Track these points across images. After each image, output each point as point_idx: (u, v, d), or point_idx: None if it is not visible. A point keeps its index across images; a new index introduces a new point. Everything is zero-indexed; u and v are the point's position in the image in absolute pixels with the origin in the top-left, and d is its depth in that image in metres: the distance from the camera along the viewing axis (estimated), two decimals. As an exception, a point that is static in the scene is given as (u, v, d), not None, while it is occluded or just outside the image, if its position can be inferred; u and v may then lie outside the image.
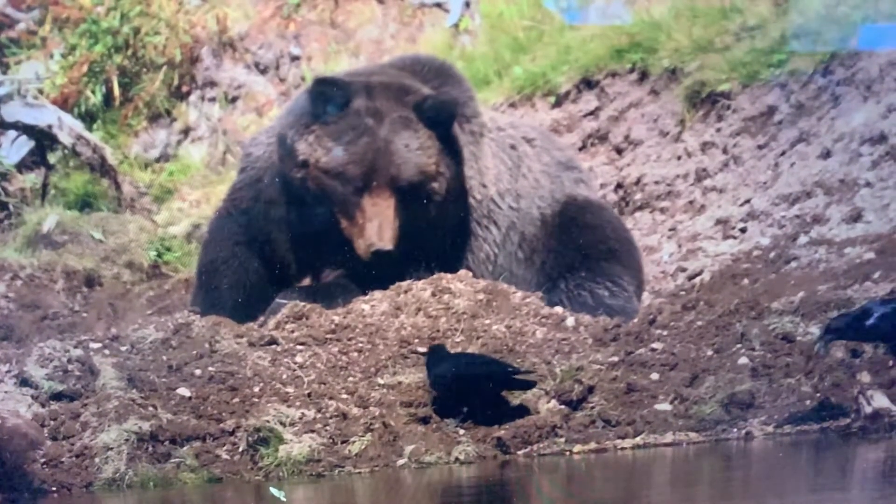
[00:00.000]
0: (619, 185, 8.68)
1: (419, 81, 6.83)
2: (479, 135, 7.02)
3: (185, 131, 10.84)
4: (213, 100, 10.82)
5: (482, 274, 6.71)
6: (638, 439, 5.00)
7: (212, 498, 4.80)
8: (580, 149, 8.83)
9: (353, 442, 5.01)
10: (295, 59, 11.10)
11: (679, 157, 8.49)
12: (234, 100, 10.94)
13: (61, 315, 7.72)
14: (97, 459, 4.85)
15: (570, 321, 6.10)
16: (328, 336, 5.86)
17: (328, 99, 6.46)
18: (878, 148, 7.25)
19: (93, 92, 10.59)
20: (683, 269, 7.52)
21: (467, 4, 10.91)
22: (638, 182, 8.57)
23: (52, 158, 9.79)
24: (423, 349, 5.67)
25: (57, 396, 5.18)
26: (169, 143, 10.77)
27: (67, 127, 9.53)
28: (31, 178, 9.76)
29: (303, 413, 5.12)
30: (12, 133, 9.61)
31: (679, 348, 5.57)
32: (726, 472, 4.71)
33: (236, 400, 5.24)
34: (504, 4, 10.34)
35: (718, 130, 8.32)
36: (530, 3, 10.12)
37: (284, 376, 5.47)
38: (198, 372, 5.47)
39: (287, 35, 11.21)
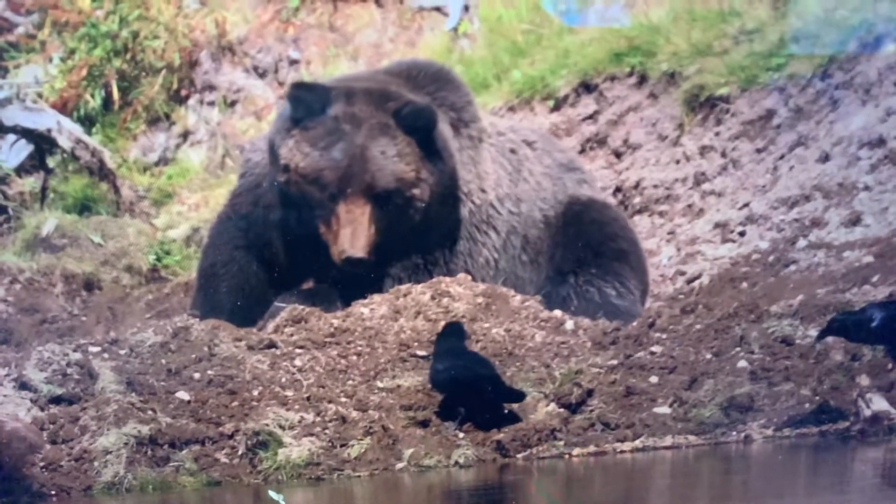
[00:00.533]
0: (617, 189, 8.69)
1: (416, 87, 6.83)
2: (477, 139, 7.02)
3: (184, 135, 10.85)
4: (211, 103, 10.83)
5: (483, 278, 6.71)
6: (637, 442, 5.00)
7: (211, 501, 4.79)
8: (579, 152, 8.82)
9: (353, 445, 5.01)
10: (294, 62, 11.10)
11: (678, 161, 8.49)
12: (232, 104, 10.95)
13: (60, 319, 7.72)
14: (96, 463, 4.84)
15: (570, 324, 6.10)
16: (327, 339, 5.86)
17: (305, 104, 6.45)
18: (876, 152, 7.26)
19: (92, 96, 10.59)
20: (682, 273, 7.53)
21: (466, 8, 10.93)
22: (637, 186, 8.57)
23: (51, 162, 9.79)
24: (422, 353, 5.68)
25: (56, 400, 5.17)
26: (168, 146, 10.78)
27: (66, 131, 9.52)
28: (30, 182, 9.76)
29: (302, 416, 5.12)
30: (11, 137, 9.61)
31: (678, 352, 5.58)
32: (725, 475, 4.71)
33: (235, 403, 5.24)
34: (503, 8, 10.35)
35: (717, 134, 8.32)
36: (529, 6, 10.13)
37: (283, 380, 5.47)
38: (197, 375, 5.47)
39: (286, 39, 11.22)
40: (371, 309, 6.10)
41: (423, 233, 6.60)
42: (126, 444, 4.87)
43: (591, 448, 4.99)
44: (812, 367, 5.22)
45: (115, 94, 10.65)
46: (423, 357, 5.66)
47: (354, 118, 6.41)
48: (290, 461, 4.90)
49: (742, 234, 7.58)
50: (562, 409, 5.19)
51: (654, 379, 5.36)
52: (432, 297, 6.13)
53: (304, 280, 6.75)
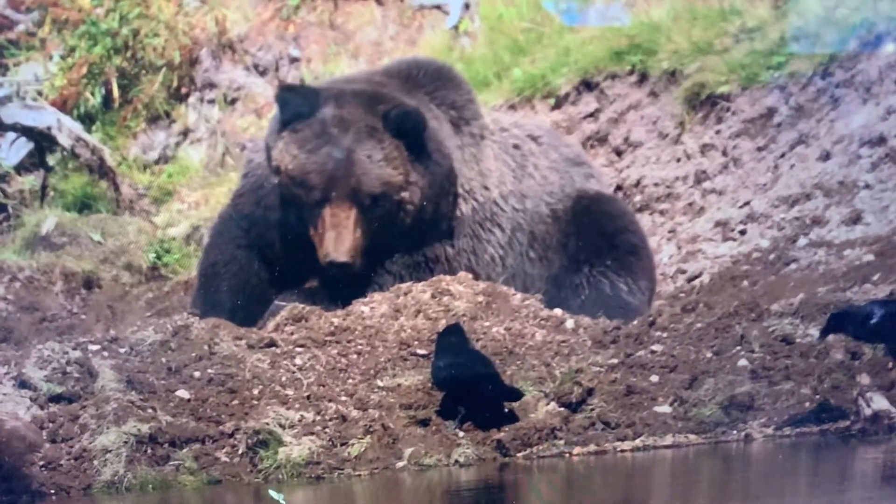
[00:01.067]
0: (618, 187, 8.68)
1: (414, 86, 6.82)
2: (479, 137, 7.01)
3: (185, 133, 10.83)
4: (212, 101, 10.82)
5: (488, 276, 6.71)
6: (637, 441, 5.00)
7: (211, 500, 4.79)
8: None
9: (353, 444, 5.00)
10: (294, 60, 11.09)
11: (678, 159, 8.49)
12: (233, 101, 10.93)
13: (60, 317, 7.71)
14: (96, 462, 4.84)
15: (570, 323, 6.10)
16: (327, 338, 5.85)
17: (292, 106, 6.45)
18: (877, 150, 7.25)
19: (92, 94, 10.58)
20: (683, 271, 7.53)
21: (467, 6, 10.91)
22: (637, 184, 8.57)
23: (50, 160, 9.79)
24: (422, 351, 5.67)
25: (55, 398, 5.16)
26: (168, 144, 10.77)
27: (66, 129, 9.52)
28: (30, 180, 9.76)
29: (302, 415, 5.11)
30: (11, 135, 9.60)
31: (678, 350, 5.57)
32: (726, 474, 4.70)
33: (235, 402, 5.23)
34: (503, 6, 10.34)
35: (718, 132, 8.32)
36: (530, 5, 10.12)
37: (284, 378, 5.46)
38: (197, 374, 5.47)
39: (286, 37, 11.20)
40: (371, 307, 6.10)
41: (423, 231, 6.59)
42: (126, 442, 4.86)
43: (592, 447, 4.99)
44: (812, 365, 5.22)
45: (116, 92, 10.63)
46: (423, 356, 5.66)
47: (342, 121, 6.40)
48: (291, 460, 4.89)
49: (743, 232, 7.58)
50: (562, 408, 5.18)
51: (654, 378, 5.36)
52: (433, 296, 6.12)
53: (304, 280, 6.74)
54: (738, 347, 5.48)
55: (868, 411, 4.77)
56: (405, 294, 6.17)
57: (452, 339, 5.35)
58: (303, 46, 11.16)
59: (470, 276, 6.41)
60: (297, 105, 6.45)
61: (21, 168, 9.80)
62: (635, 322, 6.12)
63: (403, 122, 6.44)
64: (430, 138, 6.58)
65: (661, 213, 8.40)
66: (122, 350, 5.72)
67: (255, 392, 5.32)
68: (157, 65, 10.77)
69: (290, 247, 6.61)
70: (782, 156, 7.88)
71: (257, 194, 6.79)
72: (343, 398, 5.30)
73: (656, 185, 8.49)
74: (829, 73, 7.86)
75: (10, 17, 11.12)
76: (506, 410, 5.12)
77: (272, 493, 4.48)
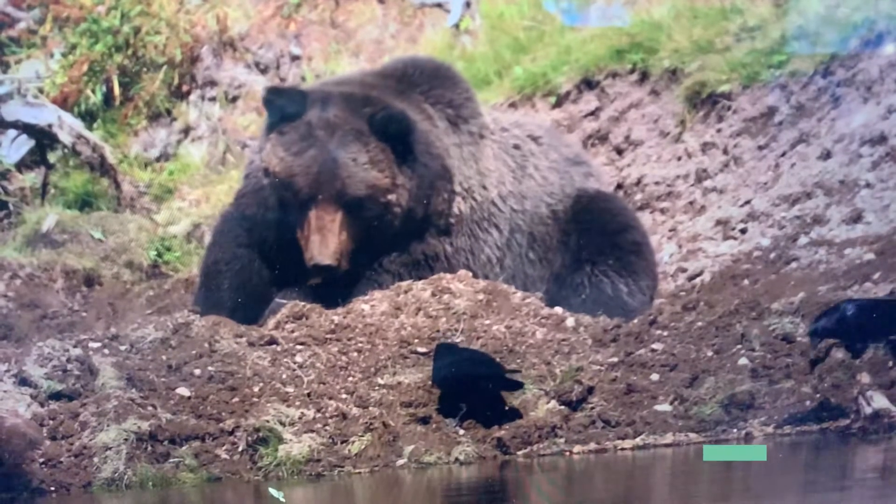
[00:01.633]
0: (619, 186, 8.68)
1: (410, 86, 6.81)
2: (478, 136, 7.01)
3: (185, 131, 10.84)
4: (213, 99, 10.82)
5: (486, 276, 6.71)
6: (638, 440, 5.00)
7: (211, 498, 4.79)
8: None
9: (353, 442, 5.00)
10: (295, 58, 11.09)
11: (679, 158, 8.49)
12: (234, 99, 10.93)
13: (60, 314, 7.71)
14: (96, 459, 4.84)
15: (570, 321, 6.09)
16: (328, 336, 5.86)
17: (279, 109, 6.46)
18: (878, 149, 7.25)
19: (93, 91, 10.58)
20: (684, 270, 7.52)
21: (468, 5, 10.91)
22: (638, 182, 8.57)
23: (51, 157, 9.79)
24: (423, 349, 5.67)
25: (56, 396, 5.17)
26: (169, 142, 10.77)
27: (67, 126, 9.52)
28: (31, 178, 9.76)
29: (302, 413, 5.12)
30: (12, 132, 9.60)
31: (679, 349, 5.57)
32: (726, 472, 4.70)
33: (236, 399, 5.24)
34: (504, 5, 10.35)
35: (719, 131, 8.32)
36: (531, 3, 10.13)
37: (284, 376, 5.46)
38: (197, 371, 5.47)
39: (287, 35, 11.20)
40: (372, 305, 6.10)
41: (419, 230, 6.59)
42: (126, 440, 4.87)
43: (592, 445, 4.99)
44: (813, 364, 5.21)
45: (117, 90, 10.64)
46: (423, 354, 5.66)
47: (328, 124, 6.40)
48: (291, 457, 4.90)
49: (743, 231, 7.57)
50: (562, 407, 5.19)
51: (654, 376, 5.36)
52: (433, 294, 6.12)
53: (305, 279, 6.74)
54: (739, 346, 5.48)
55: (868, 410, 4.77)
56: (405, 292, 6.17)
57: (449, 344, 5.36)
58: (304, 44, 11.16)
59: (470, 274, 6.42)
60: (283, 107, 6.47)
61: (22, 165, 9.80)
62: (636, 320, 6.12)
63: (389, 125, 6.43)
64: (419, 140, 6.57)
65: (662, 211, 8.40)
66: (122, 347, 5.72)
67: (256, 389, 5.32)
68: (158, 62, 10.77)
69: (289, 246, 6.61)
70: (783, 154, 7.88)
71: (259, 195, 6.80)
72: (343, 396, 5.31)
73: (657, 183, 8.49)
74: (830, 71, 7.86)
75: (12, 15, 11.12)
76: (506, 408, 5.13)
77: (272, 490, 4.49)
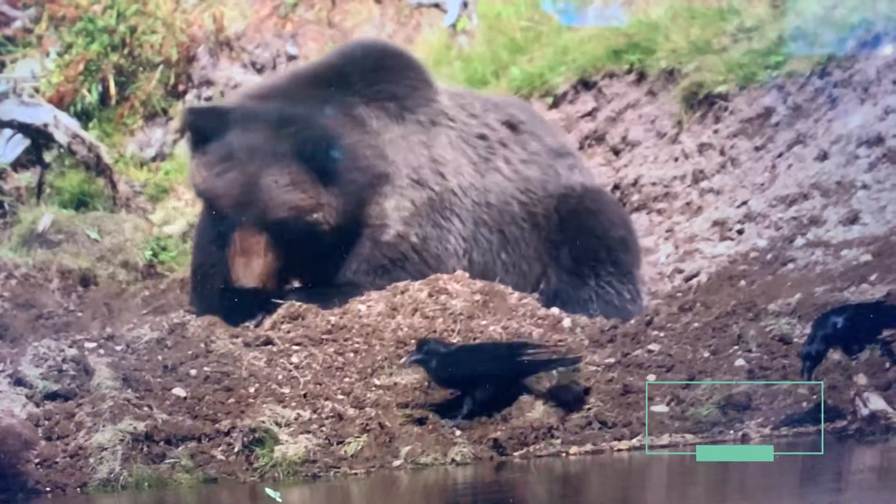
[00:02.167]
0: (616, 187, 8.68)
1: (346, 86, 6.57)
2: (429, 123, 6.76)
3: (182, 130, 10.82)
4: (209, 99, 10.80)
5: (453, 268, 6.58)
6: (634, 441, 4.99)
7: (207, 499, 4.78)
8: (577, 149, 8.80)
9: (349, 443, 4.99)
10: (292, 58, 11.08)
11: (676, 159, 8.49)
12: (230, 99, 10.91)
13: (56, 314, 7.70)
14: (92, 460, 4.83)
15: (567, 322, 6.09)
16: (324, 336, 5.84)
17: (200, 129, 6.34)
18: (874, 150, 7.25)
19: (89, 90, 10.57)
20: (680, 271, 7.52)
21: (465, 5, 10.91)
22: (635, 183, 8.56)
23: (47, 157, 9.77)
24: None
25: (51, 396, 5.15)
26: (165, 141, 10.75)
27: (63, 125, 9.50)
28: (27, 177, 9.74)
29: (298, 414, 5.11)
30: (8, 131, 9.58)
31: (676, 350, 5.57)
32: (722, 474, 4.70)
33: (232, 400, 5.22)
34: (501, 5, 10.35)
35: (716, 132, 8.32)
36: (528, 3, 10.13)
37: (280, 377, 5.45)
38: (193, 372, 5.46)
39: (284, 34, 11.19)
40: (368, 306, 6.09)
41: (368, 238, 6.48)
42: (122, 440, 4.86)
43: (588, 446, 4.98)
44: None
45: (112, 89, 10.62)
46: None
47: (248, 146, 6.22)
48: (287, 458, 4.89)
49: (740, 232, 7.57)
50: (559, 407, 5.18)
51: (651, 377, 5.35)
52: (429, 295, 6.11)
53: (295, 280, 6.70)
54: (736, 347, 5.48)
55: (865, 411, 4.76)
56: (402, 293, 6.16)
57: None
58: (300, 44, 11.15)
59: (467, 274, 6.38)
60: (204, 128, 6.33)
61: (17, 165, 9.78)
62: (632, 321, 6.12)
63: (309, 145, 6.25)
64: (345, 156, 6.38)
65: (659, 212, 8.40)
66: (118, 348, 5.71)
67: (252, 390, 5.31)
68: (154, 62, 10.75)
69: None
70: (780, 155, 7.88)
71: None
72: (339, 396, 5.30)
73: (654, 184, 8.48)
74: (827, 72, 7.87)
75: (7, 14, 11.10)
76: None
77: (268, 491, 4.48)
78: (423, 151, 6.68)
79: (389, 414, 5.14)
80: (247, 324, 6.15)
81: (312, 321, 5.97)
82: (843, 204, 7.09)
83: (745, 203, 7.74)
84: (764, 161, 7.95)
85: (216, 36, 11.00)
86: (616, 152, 8.90)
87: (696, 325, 5.87)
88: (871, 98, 7.54)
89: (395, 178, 6.60)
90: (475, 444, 5.01)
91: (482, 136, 6.95)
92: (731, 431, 4.99)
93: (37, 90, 10.22)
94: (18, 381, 5.19)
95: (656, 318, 6.04)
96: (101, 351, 5.62)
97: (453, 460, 4.93)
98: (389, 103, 6.70)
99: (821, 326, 4.91)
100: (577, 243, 6.90)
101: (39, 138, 9.56)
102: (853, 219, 6.95)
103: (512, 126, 7.10)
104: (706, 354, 5.51)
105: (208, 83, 10.94)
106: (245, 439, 4.94)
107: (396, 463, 4.93)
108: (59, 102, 10.24)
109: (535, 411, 5.14)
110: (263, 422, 4.99)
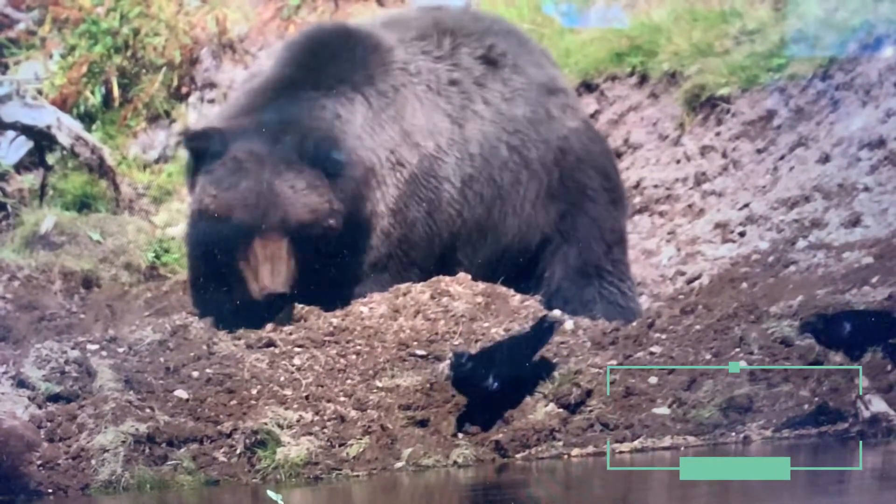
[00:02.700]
0: (617, 189, 8.66)
1: (319, 82, 6.45)
2: (393, 91, 6.60)
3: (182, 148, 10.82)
4: (212, 101, 10.81)
5: (450, 232, 6.51)
6: (636, 443, 5.00)
7: (209, 500, 4.79)
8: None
9: (351, 445, 5.00)
10: (294, 60, 11.07)
11: (678, 161, 8.49)
12: (233, 101, 10.91)
13: (58, 316, 7.70)
14: (94, 461, 4.84)
15: (569, 324, 6.08)
16: (326, 338, 5.85)
17: (202, 150, 6.29)
18: (876, 153, 7.25)
19: (92, 93, 10.57)
20: (682, 273, 7.52)
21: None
22: (637, 186, 8.56)
23: (50, 159, 9.77)
24: (421, 352, 5.67)
25: (54, 398, 5.16)
26: (168, 144, 10.75)
27: (66, 128, 9.50)
28: (30, 179, 9.74)
29: (300, 416, 5.11)
30: (11, 133, 9.58)
31: (677, 352, 5.57)
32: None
33: (234, 402, 5.23)
34: (504, 7, 10.33)
35: (718, 134, 8.32)
36: (530, 5, 10.12)
37: (282, 379, 5.46)
38: (195, 374, 5.47)
39: (287, 37, 11.20)
40: (370, 308, 6.09)
41: (365, 237, 6.48)
42: (124, 442, 4.86)
43: (590, 448, 4.99)
44: (811, 368, 5.21)
45: (116, 91, 10.62)
46: (422, 356, 5.65)
47: (255, 156, 6.20)
48: (289, 460, 4.89)
49: (742, 234, 7.58)
50: (561, 410, 5.18)
51: (653, 379, 5.36)
52: (431, 297, 6.12)
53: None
54: (737, 349, 5.48)
55: (867, 414, 4.77)
56: (404, 294, 6.17)
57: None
58: (303, 46, 11.14)
59: (469, 277, 6.36)
60: (205, 148, 6.28)
61: (20, 167, 9.78)
62: (634, 323, 6.12)
63: (309, 149, 6.23)
64: (344, 154, 6.36)
65: (661, 214, 8.40)
66: (120, 349, 5.71)
67: (254, 392, 5.32)
68: (157, 64, 10.76)
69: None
70: (782, 158, 7.88)
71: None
72: (341, 398, 5.30)
73: (656, 186, 8.48)
74: (829, 75, 7.87)
75: (11, 16, 11.11)
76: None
77: (270, 493, 4.48)
78: (394, 127, 6.55)
79: (391, 416, 5.15)
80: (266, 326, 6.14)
81: (314, 323, 5.98)
82: (844, 206, 7.09)
83: (746, 205, 7.74)
84: (766, 163, 7.95)
85: (219, 38, 11.01)
86: (618, 155, 8.89)
87: (697, 327, 5.87)
88: (872, 101, 7.54)
89: (377, 168, 6.53)
90: (477, 446, 5.01)
91: (454, 82, 6.74)
92: (733, 434, 4.99)
93: (40, 92, 10.22)
94: (21, 383, 5.20)
95: (658, 321, 6.04)
96: (104, 353, 5.63)
97: (455, 462, 4.94)
98: (345, 87, 6.53)
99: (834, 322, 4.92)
100: (579, 244, 6.91)
101: (42, 140, 9.57)
102: (855, 221, 6.95)
103: (491, 61, 6.84)
104: (708, 356, 5.51)
105: (211, 85, 10.95)
106: (247, 441, 4.95)
107: (398, 465, 4.93)
108: (63, 104, 10.24)
109: (537, 413, 5.14)
110: (265, 424, 4.99)
